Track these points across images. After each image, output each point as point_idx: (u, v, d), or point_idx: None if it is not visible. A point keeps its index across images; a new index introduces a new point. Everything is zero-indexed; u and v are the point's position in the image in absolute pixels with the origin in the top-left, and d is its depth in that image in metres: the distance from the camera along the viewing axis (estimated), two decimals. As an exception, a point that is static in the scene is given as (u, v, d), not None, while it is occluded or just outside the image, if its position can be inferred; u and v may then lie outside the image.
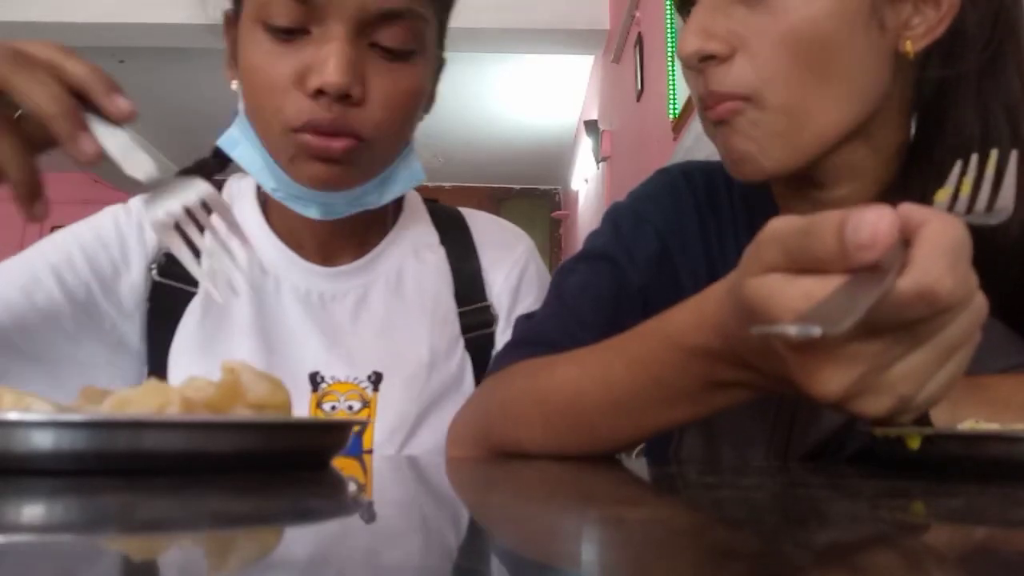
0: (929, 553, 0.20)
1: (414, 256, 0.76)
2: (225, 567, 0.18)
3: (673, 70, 2.33)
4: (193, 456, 0.32)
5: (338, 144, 0.61)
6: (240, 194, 0.75)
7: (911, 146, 0.55)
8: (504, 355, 0.59)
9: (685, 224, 0.62)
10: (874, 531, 0.23)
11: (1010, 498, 0.31)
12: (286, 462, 0.36)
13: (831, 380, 0.32)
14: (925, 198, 0.53)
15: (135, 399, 0.34)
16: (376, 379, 0.69)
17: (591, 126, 3.97)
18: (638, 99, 2.94)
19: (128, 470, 0.31)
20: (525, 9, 3.42)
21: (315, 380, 0.69)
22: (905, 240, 0.31)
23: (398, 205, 0.78)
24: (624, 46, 3.22)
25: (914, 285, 0.30)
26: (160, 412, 0.34)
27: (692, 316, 0.40)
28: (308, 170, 0.63)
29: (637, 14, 2.92)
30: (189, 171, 0.79)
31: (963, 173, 0.38)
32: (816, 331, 0.26)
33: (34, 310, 0.65)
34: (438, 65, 0.70)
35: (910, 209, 0.31)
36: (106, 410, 0.35)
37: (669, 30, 2.36)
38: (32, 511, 0.26)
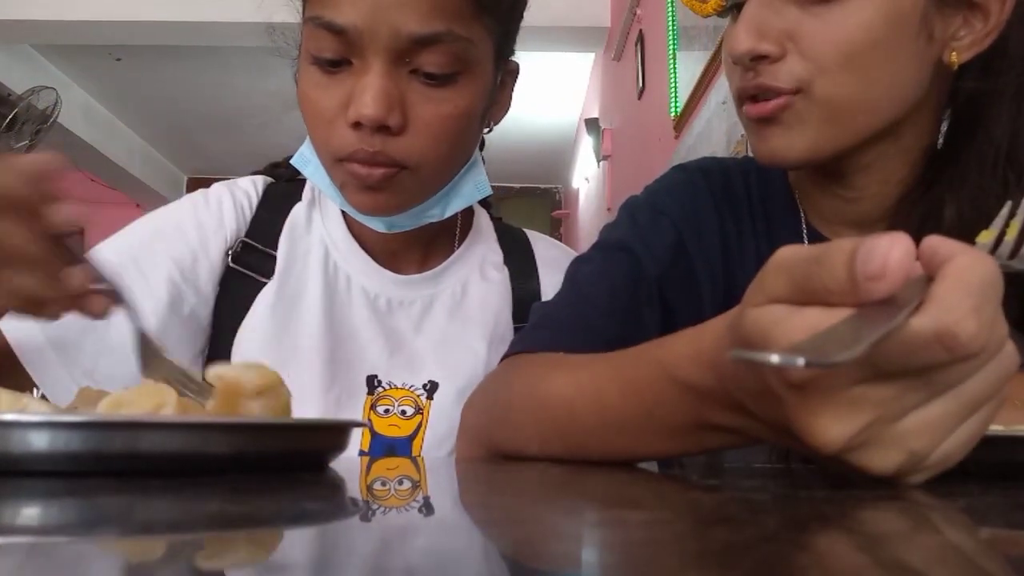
0: (932, 555, 0.20)
1: (480, 273, 0.77)
2: (222, 569, 0.18)
3: (674, 68, 2.33)
4: (190, 457, 0.32)
5: (378, 172, 0.62)
6: (323, 194, 0.76)
7: (939, 150, 0.56)
8: (518, 341, 0.59)
9: (702, 219, 0.62)
10: (876, 533, 0.23)
11: (1013, 500, 0.31)
12: (284, 464, 0.36)
13: (832, 427, 0.28)
14: (945, 200, 0.53)
15: (131, 400, 0.34)
16: (432, 388, 0.71)
17: (592, 124, 3.96)
18: (639, 97, 2.94)
19: (125, 471, 0.31)
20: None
21: (372, 383, 0.70)
22: (930, 276, 0.28)
23: (468, 222, 0.80)
24: (625, 44, 3.22)
25: (932, 325, 0.26)
26: (156, 413, 0.34)
27: (688, 348, 0.37)
28: (355, 198, 0.64)
29: (638, 11, 2.92)
30: (262, 173, 0.80)
31: (1011, 216, 0.36)
32: (800, 361, 0.23)
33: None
34: (503, 75, 0.70)
35: (938, 242, 0.28)
36: (102, 411, 0.35)
37: (670, 28, 2.36)
38: (28, 512, 0.26)
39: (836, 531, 0.23)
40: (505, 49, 0.69)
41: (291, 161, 0.71)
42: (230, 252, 0.72)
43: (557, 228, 6.13)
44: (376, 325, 0.72)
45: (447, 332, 0.73)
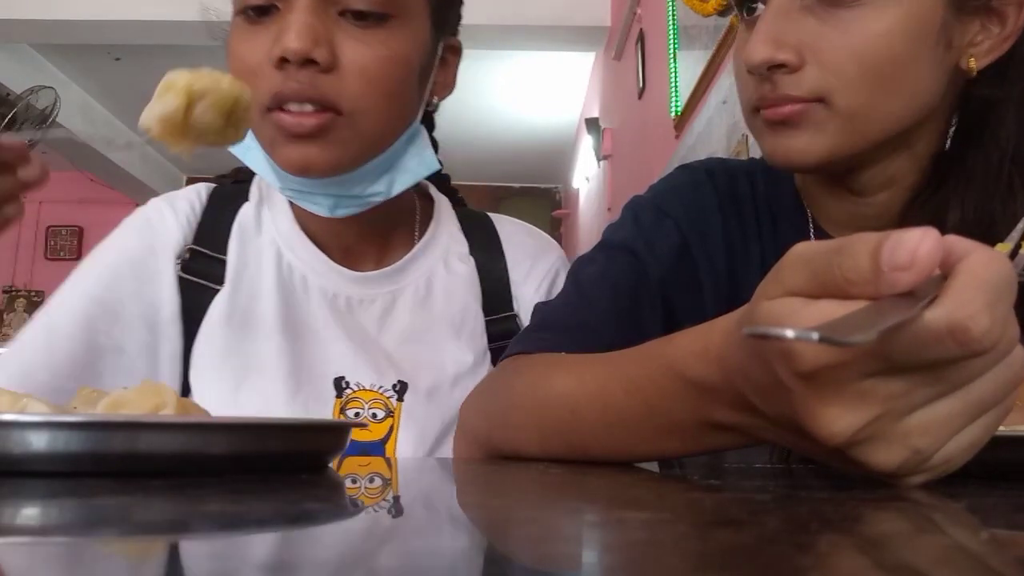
0: (934, 556, 0.20)
1: (444, 266, 0.74)
2: (221, 570, 0.18)
3: (675, 68, 2.33)
4: (189, 458, 0.32)
5: (310, 121, 0.59)
6: (270, 192, 0.74)
7: (946, 153, 0.56)
8: (519, 341, 0.59)
9: (707, 221, 0.62)
10: (877, 533, 0.23)
11: (1015, 500, 0.31)
12: (283, 464, 0.36)
13: (839, 418, 0.28)
14: (950, 204, 0.53)
15: (130, 400, 0.34)
16: (401, 389, 0.68)
17: (592, 124, 3.96)
18: (640, 97, 2.94)
19: (124, 472, 0.31)
20: (525, 6, 3.41)
21: (340, 385, 0.68)
22: (944, 274, 0.28)
23: (428, 213, 0.77)
24: (625, 43, 3.21)
25: (945, 318, 0.27)
26: (155, 413, 0.34)
27: (696, 344, 0.37)
28: (285, 153, 0.61)
29: (639, 11, 2.92)
30: (225, 177, 0.79)
31: None
32: (814, 336, 0.24)
33: (98, 353, 0.65)
34: (445, 51, 0.68)
35: (955, 240, 0.28)
36: (101, 411, 0.35)
37: (671, 27, 2.36)
38: (28, 512, 0.26)
39: (837, 532, 0.23)
40: (444, 21, 0.68)
41: (230, 148, 0.66)
42: (178, 262, 0.69)
43: (557, 228, 6.12)
44: (337, 324, 0.69)
45: (413, 330, 0.70)
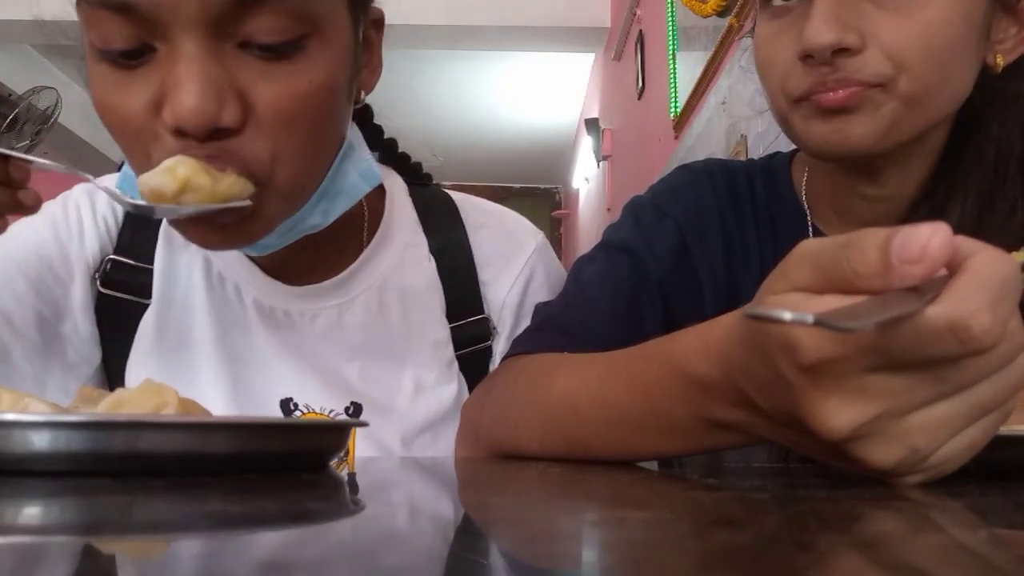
0: (932, 555, 0.20)
1: (399, 272, 0.65)
2: (222, 569, 0.18)
3: (674, 68, 2.33)
4: (190, 457, 0.32)
5: (229, 219, 0.48)
6: None
7: (946, 150, 0.56)
8: (520, 342, 0.59)
9: (706, 221, 0.62)
10: (876, 533, 0.23)
11: (1013, 499, 0.31)
12: (284, 464, 0.36)
13: (839, 412, 0.29)
14: (950, 198, 0.53)
15: (132, 400, 0.34)
16: (355, 411, 0.62)
17: (592, 124, 3.96)
18: (639, 97, 2.94)
19: (125, 471, 0.31)
20: (525, 7, 3.42)
21: (288, 407, 0.61)
22: (949, 274, 0.28)
23: (379, 206, 0.67)
24: (625, 44, 3.22)
25: (946, 315, 0.27)
26: (157, 413, 0.34)
27: (697, 341, 0.37)
28: (198, 238, 0.51)
29: (638, 12, 2.92)
30: None
31: None
32: (808, 319, 0.24)
33: None
34: (366, 27, 0.55)
35: (960, 240, 0.28)
36: (103, 411, 0.35)
37: (670, 28, 2.36)
38: (28, 512, 0.26)
39: (837, 531, 0.23)
40: None
41: (116, 189, 0.55)
42: (97, 275, 0.62)
43: (557, 228, 6.13)
44: (279, 340, 0.62)
45: (366, 346, 0.63)
